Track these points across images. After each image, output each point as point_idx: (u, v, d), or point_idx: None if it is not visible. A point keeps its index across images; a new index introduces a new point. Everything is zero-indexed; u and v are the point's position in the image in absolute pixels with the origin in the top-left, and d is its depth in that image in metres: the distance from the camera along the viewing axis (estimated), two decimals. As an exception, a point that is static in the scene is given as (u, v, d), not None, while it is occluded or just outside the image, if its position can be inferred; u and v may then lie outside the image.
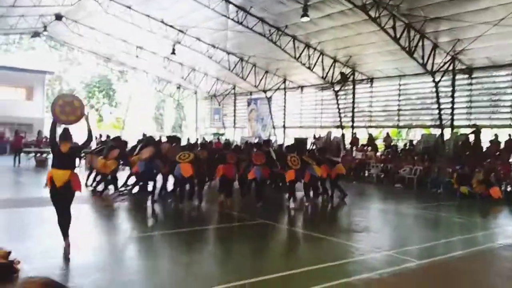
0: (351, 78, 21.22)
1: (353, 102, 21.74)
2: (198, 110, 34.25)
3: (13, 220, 8.17)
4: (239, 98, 30.09)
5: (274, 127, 26.29)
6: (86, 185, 12.02)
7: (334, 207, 11.77)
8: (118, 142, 12.66)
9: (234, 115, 30.47)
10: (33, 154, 20.95)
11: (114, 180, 11.50)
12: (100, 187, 11.70)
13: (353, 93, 21.68)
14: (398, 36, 15.16)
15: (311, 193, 11.48)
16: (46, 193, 11.78)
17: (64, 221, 5.90)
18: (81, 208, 9.68)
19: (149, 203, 10.18)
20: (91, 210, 9.70)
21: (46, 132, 30.30)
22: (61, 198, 5.95)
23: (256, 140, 19.40)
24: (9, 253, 4.16)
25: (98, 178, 12.06)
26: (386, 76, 20.48)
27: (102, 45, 26.76)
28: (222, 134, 28.89)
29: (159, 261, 5.88)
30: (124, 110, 43.86)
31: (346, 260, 6.05)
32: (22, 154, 19.74)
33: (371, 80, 21.20)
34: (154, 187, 10.43)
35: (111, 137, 15.16)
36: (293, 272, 5.33)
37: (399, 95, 20.29)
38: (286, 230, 8.10)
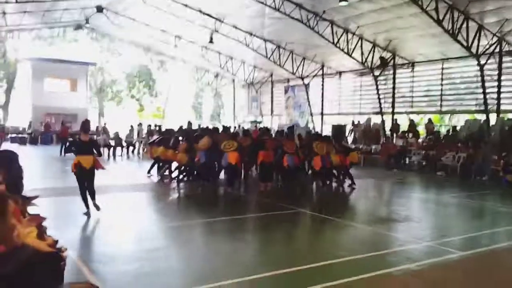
0: (391, 63, 20.70)
1: (394, 88, 21.22)
2: (235, 98, 34.42)
3: (59, 208, 8.52)
4: (277, 86, 30.00)
5: (311, 115, 26.07)
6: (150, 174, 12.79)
7: (373, 196, 11.65)
8: (183, 134, 13.03)
9: (272, 103, 30.43)
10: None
11: (179, 170, 11.94)
12: (160, 175, 12.24)
13: (394, 78, 21.14)
14: (441, 18, 14.60)
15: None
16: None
17: (91, 193, 7.63)
18: (134, 196, 10.06)
19: (200, 191, 10.47)
20: (145, 197, 10.00)
21: (91, 122, 31.38)
22: (88, 177, 7.55)
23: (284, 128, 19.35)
24: (57, 241, 4.34)
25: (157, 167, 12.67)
26: (428, 60, 19.83)
27: (141, 36, 27.26)
28: (260, 122, 28.93)
29: (199, 249, 6.01)
30: (164, 99, 44.64)
31: (385, 250, 5.98)
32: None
33: (412, 64, 20.60)
34: (213, 176, 10.85)
35: (158, 127, 15.66)
36: (331, 262, 5.32)
37: (442, 79, 19.61)
38: (323, 220, 8.06)
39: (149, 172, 13.02)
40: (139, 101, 43.81)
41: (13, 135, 27.35)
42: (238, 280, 4.61)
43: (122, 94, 43.84)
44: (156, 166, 12.92)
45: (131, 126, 22.86)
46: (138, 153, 21.99)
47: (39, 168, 15.25)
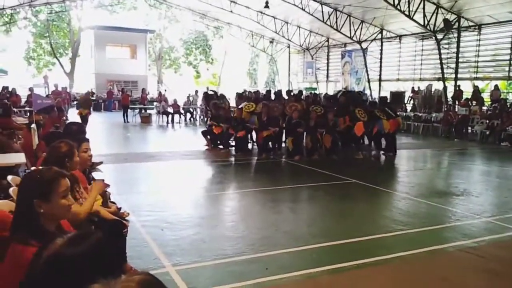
0: (456, 25, 19.51)
1: (458, 52, 20.06)
2: (290, 64, 34.03)
3: (122, 174, 8.98)
4: (333, 51, 29.29)
5: (369, 81, 25.34)
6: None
7: (431, 167, 11.34)
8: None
9: (327, 69, 29.84)
10: (138, 110, 22.56)
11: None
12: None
13: (458, 42, 19.95)
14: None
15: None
16: (151, 148, 12.79)
17: None
18: (191, 163, 10.44)
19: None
20: (203, 165, 10.35)
21: (150, 89, 32.34)
22: None
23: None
24: (119, 209, 4.64)
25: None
26: (497, 22, 18.50)
27: (198, 2, 27.34)
28: (315, 89, 28.55)
29: (251, 217, 6.18)
30: (220, 66, 44.97)
31: (441, 225, 5.86)
32: (129, 111, 21.37)
33: (479, 27, 19.31)
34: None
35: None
36: (384, 236, 5.31)
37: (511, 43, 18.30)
38: (377, 191, 7.97)
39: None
40: (195, 68, 44.44)
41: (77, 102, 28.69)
42: (289, 250, 4.74)
43: (180, 61, 44.60)
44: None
45: (189, 94, 23.41)
46: (196, 120, 22.52)
47: (103, 134, 16.05)
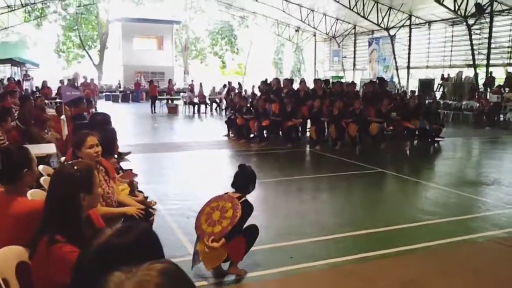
0: (488, 10, 18.86)
1: (490, 37, 19.40)
2: (317, 52, 33.68)
3: (150, 164, 9.13)
4: (360, 38, 28.83)
5: (397, 68, 24.86)
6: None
7: (460, 156, 11.09)
8: None
9: (354, 57, 29.40)
10: (165, 101, 22.81)
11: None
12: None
13: (490, 27, 19.30)
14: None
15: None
16: (178, 138, 12.95)
17: None
18: (218, 153, 10.52)
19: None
20: (228, 154, 10.43)
21: (176, 80, 32.61)
22: None
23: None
24: (146, 197, 4.73)
25: None
26: (532, 5, 17.81)
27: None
28: (341, 77, 28.22)
29: (277, 207, 6.20)
30: (245, 55, 44.92)
31: (470, 215, 5.73)
32: (156, 102, 21.64)
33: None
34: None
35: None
36: (411, 226, 5.24)
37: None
38: (405, 181, 7.86)
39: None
40: (221, 58, 44.54)
41: (106, 93, 29.26)
42: (314, 239, 4.74)
43: (205, 51, 44.77)
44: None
45: (214, 87, 23.54)
46: (222, 110, 22.62)
47: (130, 125, 16.32)
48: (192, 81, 24.18)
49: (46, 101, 15.30)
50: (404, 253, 4.40)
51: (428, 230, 5.14)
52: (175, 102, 22.91)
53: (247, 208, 3.81)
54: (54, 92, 19.86)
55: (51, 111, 11.03)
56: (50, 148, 6.27)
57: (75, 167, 2.30)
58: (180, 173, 8.54)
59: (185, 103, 22.06)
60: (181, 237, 4.79)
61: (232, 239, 3.70)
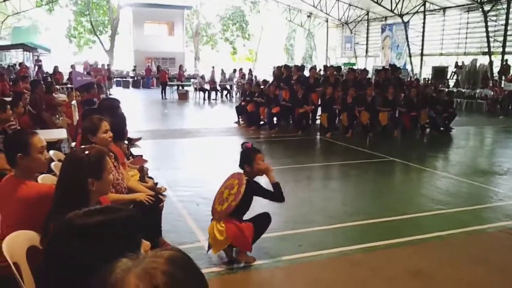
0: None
1: (506, 24, 19.03)
2: (328, 39, 33.35)
3: (160, 150, 9.16)
4: (373, 25, 28.46)
5: (410, 55, 24.53)
6: None
7: (473, 145, 10.97)
8: None
9: (367, 43, 29.08)
10: (176, 87, 22.79)
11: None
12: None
13: (507, 13, 18.92)
14: None
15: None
16: (188, 125, 12.96)
17: None
18: (228, 140, 10.51)
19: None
20: (238, 141, 10.42)
21: (187, 66, 32.53)
22: None
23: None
24: (156, 183, 4.74)
25: None
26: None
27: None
28: (353, 64, 27.95)
29: (287, 194, 6.15)
30: (256, 42, 44.63)
31: (482, 205, 5.68)
32: (167, 88, 21.64)
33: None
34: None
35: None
36: (423, 215, 5.20)
37: None
38: (417, 170, 7.78)
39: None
40: (232, 44, 44.32)
41: (118, 79, 29.32)
42: (323, 228, 4.72)
43: (216, 37, 44.56)
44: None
45: (222, 70, 23.39)
46: (232, 96, 22.57)
47: (141, 111, 16.37)
48: (213, 68, 23.66)
49: (58, 87, 15.38)
50: (414, 242, 4.38)
51: (439, 220, 5.10)
52: (185, 88, 22.90)
53: (252, 186, 3.79)
54: (66, 77, 19.96)
55: (62, 96, 11.09)
56: (61, 133, 6.31)
57: (86, 152, 2.30)
58: (190, 159, 8.55)
59: (195, 89, 22.03)
60: (191, 223, 4.81)
61: (239, 223, 3.70)
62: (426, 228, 4.77)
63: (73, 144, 5.04)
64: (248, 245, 3.75)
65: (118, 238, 1.20)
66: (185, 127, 12.67)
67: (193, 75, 28.88)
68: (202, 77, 22.33)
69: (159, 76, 23.42)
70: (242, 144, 4.09)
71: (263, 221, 3.89)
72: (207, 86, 21.34)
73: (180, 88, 22.66)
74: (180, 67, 25.19)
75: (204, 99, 20.81)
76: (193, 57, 41.67)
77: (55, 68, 20.60)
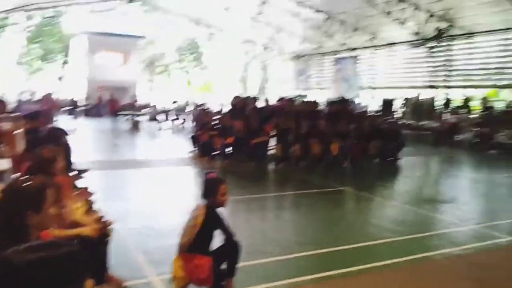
0: (447, 34, 19.67)
1: (448, 60, 20.23)
2: (283, 71, 34.13)
3: (109, 181, 8.89)
4: (325, 58, 29.42)
5: (360, 88, 25.45)
6: None
7: (419, 175, 11.37)
8: None
9: (319, 76, 29.95)
10: (128, 116, 22.42)
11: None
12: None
13: (449, 50, 20.13)
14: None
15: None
16: (139, 155, 12.70)
17: None
18: (179, 170, 10.35)
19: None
20: (190, 172, 10.28)
21: (141, 95, 32.17)
22: None
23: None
24: (102, 216, 4.57)
25: None
26: (487, 31, 18.66)
27: (192, 8, 27.31)
28: (305, 96, 28.59)
29: (238, 226, 6.11)
30: (212, 72, 44.96)
31: (429, 232, 5.85)
32: (118, 117, 21.25)
33: (470, 35, 19.46)
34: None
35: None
36: (371, 244, 5.28)
37: (502, 51, 18.48)
38: (366, 198, 7.97)
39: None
40: (187, 75, 44.43)
41: (68, 108, 28.48)
42: (275, 259, 4.69)
43: (171, 67, 44.56)
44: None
45: (179, 100, 23.32)
46: (185, 127, 22.43)
47: (91, 140, 15.93)
48: (167, 97, 23.41)
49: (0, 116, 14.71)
50: (365, 271, 4.42)
51: (389, 248, 5.19)
52: (138, 117, 22.57)
53: (213, 218, 3.72)
54: (12, 105, 19.16)
55: (5, 125, 10.60)
56: (3, 164, 6.00)
57: (26, 183, 2.20)
58: (141, 190, 8.35)
59: (148, 119, 21.75)
60: (140, 257, 4.64)
61: (198, 258, 3.61)
62: (377, 256, 4.83)
63: (16, 175, 4.82)
64: (208, 281, 3.63)
65: (60, 276, 1.14)
66: (136, 157, 12.43)
67: (146, 104, 28.55)
68: (156, 107, 22.11)
69: (111, 105, 23.00)
70: (206, 174, 4.01)
71: (228, 250, 3.78)
72: (160, 116, 21.13)
73: (133, 117, 22.30)
74: (133, 96, 24.86)
75: (157, 129, 20.56)
76: (147, 87, 41.33)
77: (1, 96, 19.80)
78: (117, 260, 4.35)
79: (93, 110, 28.50)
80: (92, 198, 4.78)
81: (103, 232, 3.76)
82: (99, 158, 11.36)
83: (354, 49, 24.80)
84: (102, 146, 14.66)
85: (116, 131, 19.83)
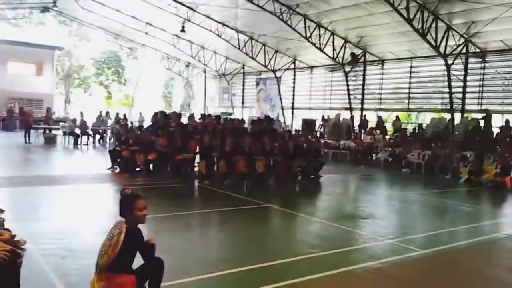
0: (362, 59, 20.97)
1: (363, 84, 21.53)
2: (207, 89, 34.17)
3: (21, 199, 8.24)
4: (248, 78, 29.95)
5: (282, 108, 26.16)
6: None
7: (339, 192, 11.82)
8: None
9: (243, 95, 30.38)
10: (42, 130, 21.08)
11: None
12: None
13: (364, 75, 21.46)
14: (411, 17, 14.88)
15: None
16: (54, 171, 11.96)
17: None
18: (98, 188, 9.83)
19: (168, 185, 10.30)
20: (110, 189, 9.80)
21: (55, 109, 30.47)
22: None
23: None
24: (14, 236, 4.20)
25: None
26: (398, 58, 20.21)
27: (111, 22, 26.60)
28: (231, 114, 28.84)
29: (159, 245, 5.89)
30: (133, 87, 43.87)
31: (349, 247, 6.05)
32: (32, 131, 19.88)
33: (382, 61, 20.92)
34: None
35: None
36: (294, 259, 5.35)
37: (410, 77, 20.04)
38: (289, 215, 8.11)
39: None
40: (107, 89, 42.97)
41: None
42: (198, 278, 4.57)
43: (90, 80, 42.86)
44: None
45: (100, 112, 22.36)
46: (105, 142, 21.55)
47: (0, 155, 14.72)
48: (82, 112, 22.03)
49: None
50: (291, 286, 4.44)
51: (312, 263, 5.29)
52: (53, 132, 21.28)
53: (134, 236, 3.54)
54: None
55: None
56: None
57: None
58: (56, 209, 7.80)
59: (65, 133, 20.57)
60: (55, 280, 4.30)
61: (120, 277, 3.40)
62: (300, 272, 4.89)
63: None
64: None
65: None
66: (51, 173, 11.66)
67: (62, 118, 27.05)
68: (73, 121, 21.00)
69: (23, 118, 21.48)
70: (121, 191, 3.81)
71: (151, 268, 3.62)
72: (77, 130, 20.10)
73: (47, 131, 20.98)
74: (48, 109, 23.48)
75: (74, 143, 19.51)
76: (63, 100, 39.28)
77: None
78: (30, 282, 3.99)
79: (2, 123, 26.45)
80: (2, 216, 4.38)
81: (15, 254, 3.44)
82: (9, 174, 10.52)
83: (277, 70, 25.51)
84: (13, 161, 13.59)
85: (28, 145, 18.52)
